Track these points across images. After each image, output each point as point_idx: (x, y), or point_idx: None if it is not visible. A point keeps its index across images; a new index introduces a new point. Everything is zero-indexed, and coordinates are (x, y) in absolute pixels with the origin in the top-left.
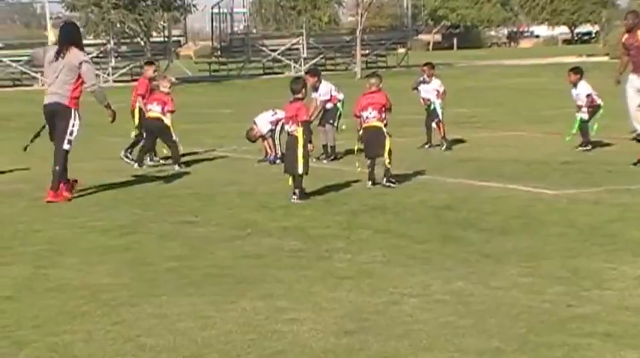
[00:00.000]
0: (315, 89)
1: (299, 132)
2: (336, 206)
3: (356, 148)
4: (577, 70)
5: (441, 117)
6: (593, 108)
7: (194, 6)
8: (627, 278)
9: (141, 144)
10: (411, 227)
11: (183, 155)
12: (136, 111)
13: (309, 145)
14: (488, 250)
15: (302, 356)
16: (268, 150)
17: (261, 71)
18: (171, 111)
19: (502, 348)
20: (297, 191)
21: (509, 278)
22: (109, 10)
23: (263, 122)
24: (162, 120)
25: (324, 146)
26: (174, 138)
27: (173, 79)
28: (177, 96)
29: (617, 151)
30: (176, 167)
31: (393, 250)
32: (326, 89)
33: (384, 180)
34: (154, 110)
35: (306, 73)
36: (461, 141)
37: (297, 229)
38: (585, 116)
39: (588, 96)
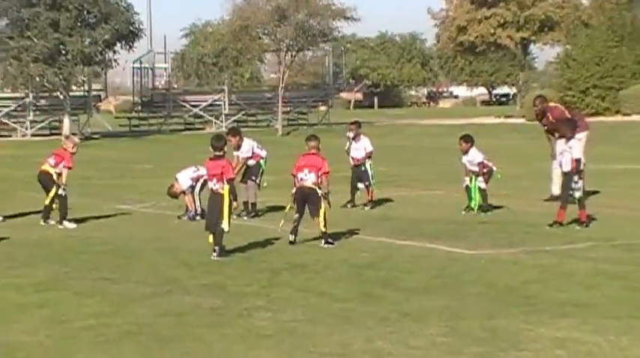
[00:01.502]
0: (238, 147)
1: (225, 190)
2: (256, 263)
3: (287, 207)
4: (468, 138)
5: (371, 181)
6: (488, 174)
7: (115, 61)
8: (544, 339)
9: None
10: (331, 285)
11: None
12: None
13: (234, 203)
14: (408, 309)
15: None
16: (189, 206)
17: (182, 127)
18: (69, 168)
19: None
20: (217, 248)
21: (428, 337)
22: (28, 64)
23: (184, 178)
24: (51, 175)
25: (245, 203)
26: (61, 192)
27: (77, 140)
28: (97, 151)
29: (534, 212)
30: (59, 226)
31: (313, 309)
32: (248, 147)
33: (322, 242)
34: (49, 162)
35: (227, 133)
36: (383, 199)
37: (217, 287)
38: (483, 185)
39: (480, 163)
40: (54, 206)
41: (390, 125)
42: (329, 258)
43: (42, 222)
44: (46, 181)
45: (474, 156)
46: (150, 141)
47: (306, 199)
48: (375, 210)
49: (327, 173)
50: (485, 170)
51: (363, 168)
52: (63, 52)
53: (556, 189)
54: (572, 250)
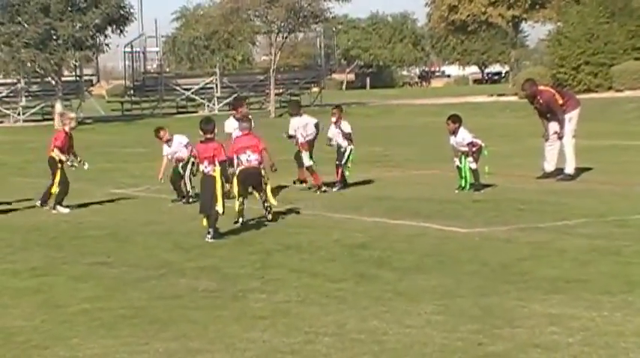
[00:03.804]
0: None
1: (217, 172)
2: (250, 245)
3: (232, 189)
4: (455, 119)
5: (343, 163)
6: (477, 152)
7: (106, 45)
8: (538, 316)
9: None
10: (325, 266)
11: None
12: None
13: (226, 185)
14: (403, 288)
15: None
16: (188, 187)
17: (174, 110)
18: (58, 147)
19: None
20: (211, 230)
21: (422, 316)
22: (19, 49)
23: (177, 142)
24: (53, 158)
25: None
26: (57, 178)
27: (72, 115)
28: (90, 135)
29: (527, 190)
30: (53, 210)
31: (307, 289)
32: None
33: (268, 215)
34: (50, 147)
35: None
36: (376, 180)
37: (212, 269)
38: (474, 165)
39: (469, 144)
40: (54, 190)
41: (383, 105)
42: (322, 239)
43: (38, 204)
44: (50, 166)
45: (463, 137)
46: (142, 124)
47: (251, 179)
48: (368, 190)
49: (265, 148)
50: (474, 149)
51: (342, 150)
52: (54, 37)
53: (549, 167)
54: (565, 227)
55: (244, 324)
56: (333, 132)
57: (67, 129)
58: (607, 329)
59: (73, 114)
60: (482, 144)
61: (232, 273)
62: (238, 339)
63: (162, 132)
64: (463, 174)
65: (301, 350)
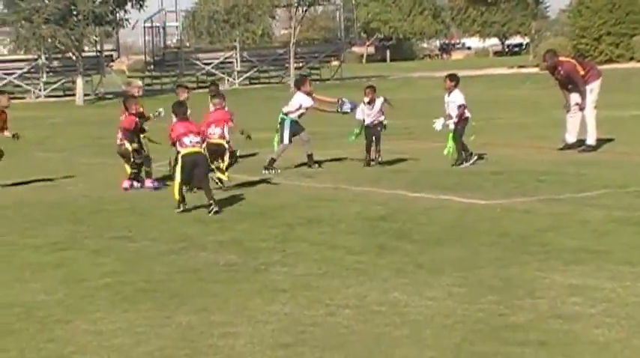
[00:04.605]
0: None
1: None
2: (271, 219)
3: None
4: (453, 77)
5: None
6: (463, 121)
7: (126, 20)
8: (559, 286)
9: None
10: (346, 238)
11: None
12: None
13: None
14: (423, 260)
15: None
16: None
17: (194, 85)
18: (134, 114)
19: None
20: (212, 201)
21: (443, 288)
22: (39, 25)
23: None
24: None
25: (309, 155)
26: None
27: (139, 83)
28: (111, 110)
29: (547, 161)
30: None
31: (328, 262)
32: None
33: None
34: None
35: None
36: (396, 152)
37: (232, 243)
38: (439, 126)
39: (460, 106)
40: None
41: (403, 78)
42: (343, 212)
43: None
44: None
45: (455, 98)
46: (163, 99)
47: (215, 153)
48: (388, 162)
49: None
50: (460, 116)
51: (379, 128)
52: (74, 12)
53: (570, 138)
54: (585, 198)
55: (265, 297)
56: (367, 113)
57: (136, 94)
58: (629, 300)
59: (140, 83)
60: (469, 116)
61: (253, 247)
62: (260, 312)
63: (185, 92)
64: (447, 142)
65: (322, 322)
